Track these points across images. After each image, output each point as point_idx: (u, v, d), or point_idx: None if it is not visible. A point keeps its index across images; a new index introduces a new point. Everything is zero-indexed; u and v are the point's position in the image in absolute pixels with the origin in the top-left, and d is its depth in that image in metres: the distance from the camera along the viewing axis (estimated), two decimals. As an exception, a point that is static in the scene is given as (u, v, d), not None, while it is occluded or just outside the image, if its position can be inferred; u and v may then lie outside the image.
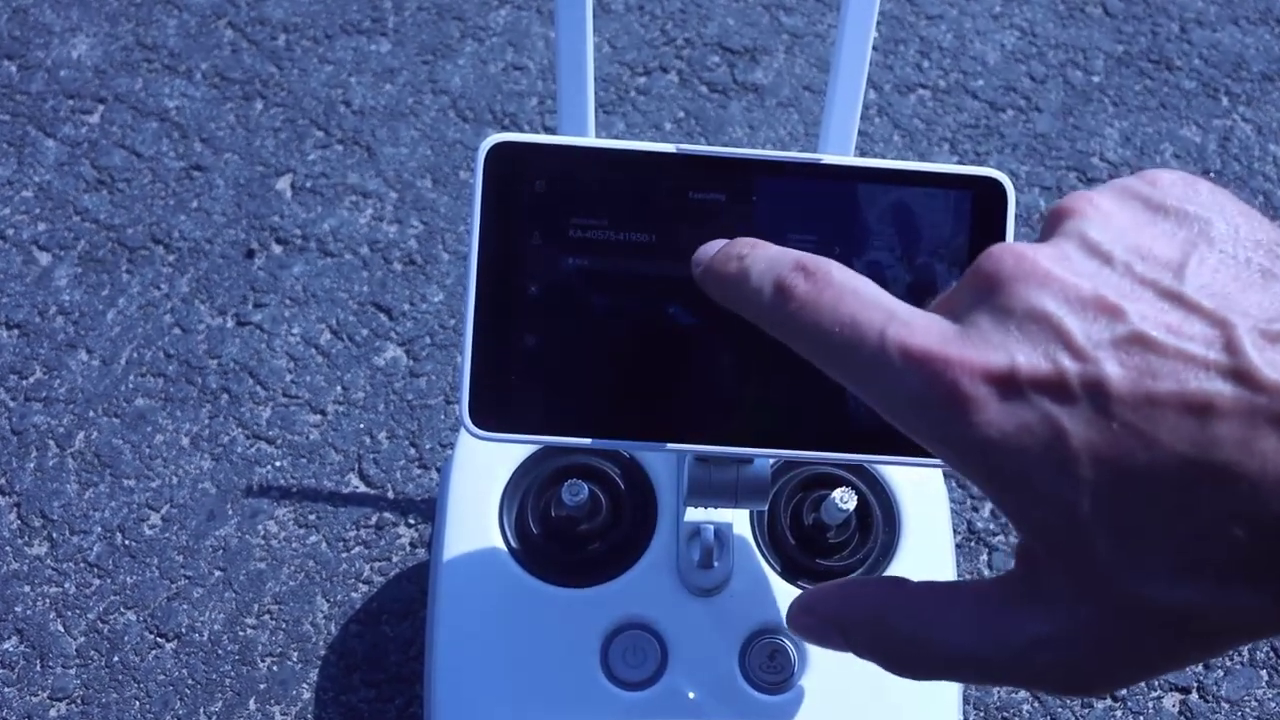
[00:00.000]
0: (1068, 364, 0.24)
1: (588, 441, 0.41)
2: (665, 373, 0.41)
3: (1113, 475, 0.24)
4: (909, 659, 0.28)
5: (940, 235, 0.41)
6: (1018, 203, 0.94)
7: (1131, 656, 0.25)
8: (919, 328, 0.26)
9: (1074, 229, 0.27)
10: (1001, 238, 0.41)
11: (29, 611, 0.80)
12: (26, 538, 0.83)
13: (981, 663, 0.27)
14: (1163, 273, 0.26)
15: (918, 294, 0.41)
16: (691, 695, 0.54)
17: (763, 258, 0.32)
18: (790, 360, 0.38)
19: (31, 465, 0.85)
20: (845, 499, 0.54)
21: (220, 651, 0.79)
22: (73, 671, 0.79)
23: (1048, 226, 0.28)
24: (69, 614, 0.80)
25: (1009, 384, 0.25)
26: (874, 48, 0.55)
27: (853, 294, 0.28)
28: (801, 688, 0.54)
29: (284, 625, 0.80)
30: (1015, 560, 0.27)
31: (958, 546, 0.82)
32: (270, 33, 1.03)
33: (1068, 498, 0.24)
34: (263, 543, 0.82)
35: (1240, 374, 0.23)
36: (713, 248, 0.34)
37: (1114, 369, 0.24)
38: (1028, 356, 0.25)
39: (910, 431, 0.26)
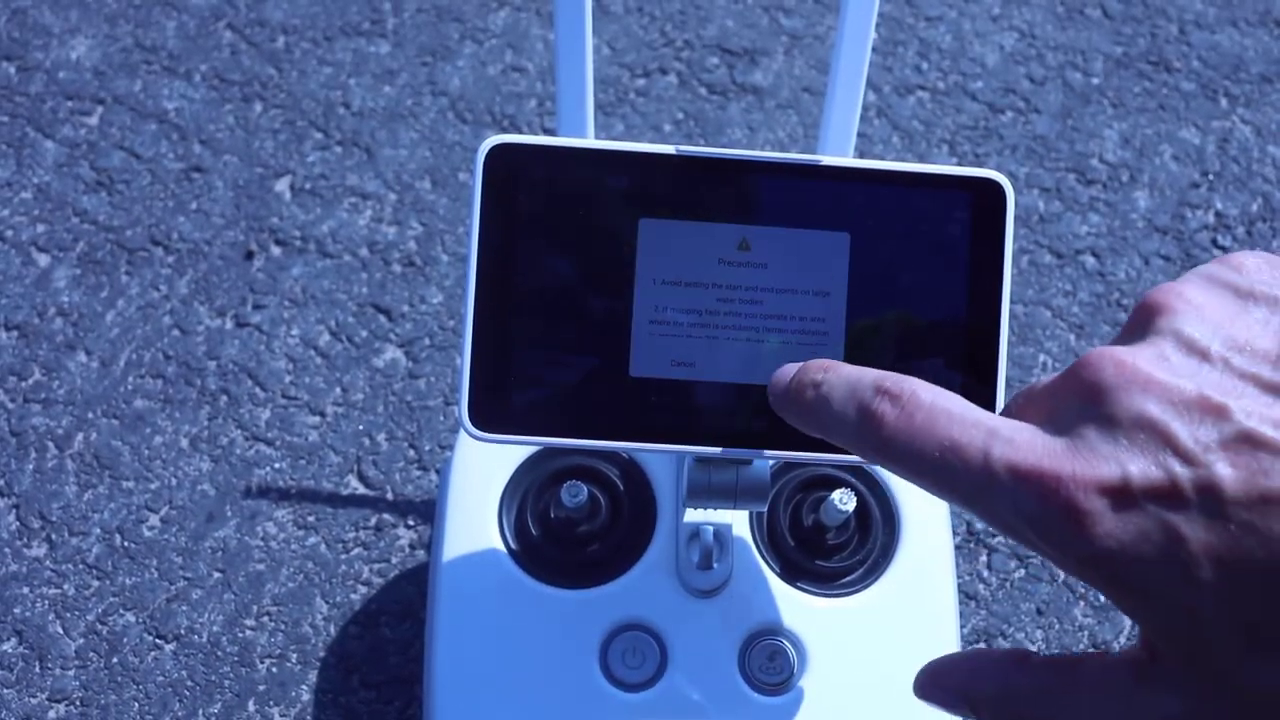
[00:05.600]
0: (1179, 470, 0.25)
1: (587, 443, 0.41)
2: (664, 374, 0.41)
3: (1233, 575, 0.24)
4: None
5: (939, 236, 0.41)
6: (1017, 204, 0.94)
7: None
8: (1023, 444, 0.27)
9: (1167, 326, 0.27)
10: (1001, 239, 0.41)
11: (28, 613, 0.80)
12: (25, 539, 0.83)
13: None
14: (1262, 365, 0.26)
15: (917, 295, 0.41)
16: (691, 696, 0.54)
17: (840, 383, 0.32)
18: (789, 361, 0.38)
19: (30, 467, 0.85)
20: (845, 500, 0.55)
21: (219, 653, 0.79)
22: (72, 673, 0.78)
23: (1136, 324, 0.28)
24: (68, 615, 0.80)
25: (1123, 495, 0.25)
26: (873, 49, 0.54)
27: (945, 414, 0.29)
28: (801, 689, 0.54)
29: (283, 627, 0.80)
30: (1139, 643, 0.27)
31: (957, 548, 0.82)
32: (269, 34, 1.03)
33: (1189, 600, 0.24)
34: (262, 544, 0.82)
35: None
36: (786, 374, 0.35)
37: (1225, 470, 0.24)
38: (1139, 466, 0.25)
39: (1027, 545, 0.27)
